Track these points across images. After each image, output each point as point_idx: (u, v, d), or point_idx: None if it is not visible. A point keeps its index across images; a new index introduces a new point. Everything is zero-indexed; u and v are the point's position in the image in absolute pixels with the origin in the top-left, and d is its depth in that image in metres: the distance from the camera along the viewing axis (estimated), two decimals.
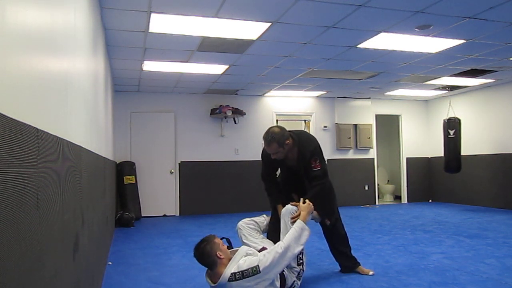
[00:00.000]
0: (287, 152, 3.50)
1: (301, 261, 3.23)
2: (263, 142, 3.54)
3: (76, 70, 2.16)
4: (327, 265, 4.09)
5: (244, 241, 3.48)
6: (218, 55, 5.77)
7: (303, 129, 9.33)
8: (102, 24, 4.27)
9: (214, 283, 2.84)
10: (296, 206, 3.35)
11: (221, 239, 3.57)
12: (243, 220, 3.58)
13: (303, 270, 3.25)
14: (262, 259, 2.86)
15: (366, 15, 4.26)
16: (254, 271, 2.80)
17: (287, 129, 3.63)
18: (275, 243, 3.41)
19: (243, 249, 3.03)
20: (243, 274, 2.79)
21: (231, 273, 2.79)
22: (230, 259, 2.92)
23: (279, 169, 3.88)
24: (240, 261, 2.87)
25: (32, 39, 1.22)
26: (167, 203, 8.45)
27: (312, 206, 3.31)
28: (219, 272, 2.84)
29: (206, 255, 2.89)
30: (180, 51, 5.52)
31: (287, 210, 3.34)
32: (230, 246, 3.80)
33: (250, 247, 3.37)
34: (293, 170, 3.67)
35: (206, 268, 2.96)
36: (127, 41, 5.03)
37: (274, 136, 3.40)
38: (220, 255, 2.88)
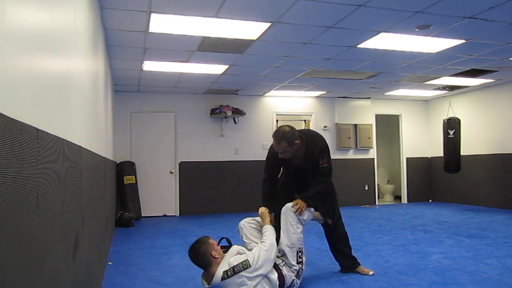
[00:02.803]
0: (295, 151, 3.50)
1: (300, 260, 3.23)
2: (272, 140, 3.50)
3: (76, 70, 2.16)
4: (327, 265, 4.09)
5: (245, 240, 3.47)
6: (218, 55, 5.77)
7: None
8: (102, 24, 4.27)
9: (209, 284, 2.87)
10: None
11: (221, 239, 3.58)
12: (244, 220, 3.58)
13: (302, 269, 3.25)
14: (250, 255, 2.96)
15: (366, 15, 4.25)
16: (244, 266, 2.88)
17: None
18: (276, 243, 3.42)
19: (234, 248, 3.08)
20: (234, 270, 2.86)
21: (223, 271, 2.85)
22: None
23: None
24: (231, 259, 2.92)
25: (32, 39, 1.22)
26: (167, 203, 8.45)
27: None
28: (213, 272, 2.89)
29: (201, 255, 2.94)
30: (180, 51, 5.52)
31: (287, 208, 3.35)
32: (230, 246, 3.79)
33: (251, 247, 3.38)
34: (299, 170, 3.66)
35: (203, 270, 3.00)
36: (127, 41, 5.03)
37: (285, 135, 3.38)
38: (215, 255, 2.93)
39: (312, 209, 3.49)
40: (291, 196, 3.70)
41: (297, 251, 3.23)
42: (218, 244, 3.54)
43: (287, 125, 3.55)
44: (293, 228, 3.27)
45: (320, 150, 3.49)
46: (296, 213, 3.32)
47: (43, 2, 1.38)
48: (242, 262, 2.89)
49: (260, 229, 3.62)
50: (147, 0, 3.79)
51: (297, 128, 3.60)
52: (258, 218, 3.69)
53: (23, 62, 1.12)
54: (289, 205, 3.37)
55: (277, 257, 3.22)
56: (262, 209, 3.48)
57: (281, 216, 3.36)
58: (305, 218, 3.41)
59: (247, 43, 5.20)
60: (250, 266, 2.88)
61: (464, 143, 8.50)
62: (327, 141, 3.66)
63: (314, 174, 3.53)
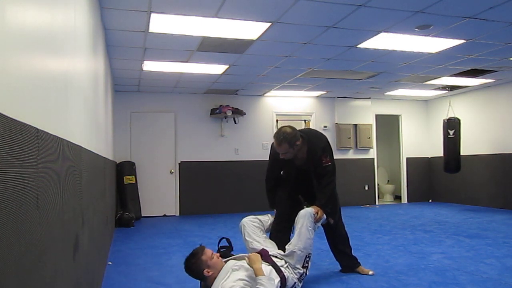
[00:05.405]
0: (297, 151, 3.50)
1: (306, 265, 3.22)
2: (273, 141, 3.51)
3: (76, 70, 2.16)
4: (327, 265, 4.09)
5: (247, 238, 3.46)
6: (218, 55, 5.77)
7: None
8: (102, 24, 4.27)
9: None
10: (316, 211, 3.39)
11: (221, 239, 3.57)
12: (247, 217, 3.57)
13: (306, 274, 3.24)
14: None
15: (366, 15, 4.25)
16: None
17: None
18: (277, 244, 3.41)
19: (228, 265, 2.99)
20: None
21: None
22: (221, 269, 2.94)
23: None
24: (224, 283, 2.77)
25: (32, 39, 1.22)
26: (167, 203, 8.45)
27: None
28: (209, 283, 2.89)
29: (195, 272, 2.94)
30: (180, 51, 5.52)
31: (308, 212, 3.32)
32: (230, 246, 3.79)
33: (252, 246, 3.37)
34: (301, 170, 3.65)
35: None
36: (127, 41, 5.03)
37: (286, 136, 3.38)
38: (208, 272, 2.88)
39: (325, 216, 3.49)
40: (296, 198, 3.70)
41: (306, 256, 3.21)
42: (218, 244, 3.53)
43: (288, 126, 3.53)
44: (309, 234, 3.25)
45: (322, 149, 3.49)
46: (315, 221, 3.31)
47: (43, 2, 1.38)
48: None
49: (262, 229, 3.61)
50: (147, 0, 3.79)
51: (298, 128, 3.60)
52: (260, 217, 3.69)
53: (23, 62, 1.12)
54: (310, 210, 3.34)
55: (279, 258, 3.20)
56: (253, 255, 3.00)
57: (298, 218, 3.32)
58: (319, 225, 3.41)
59: (247, 43, 5.20)
60: None
61: (464, 143, 8.50)
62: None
63: (318, 174, 3.52)
